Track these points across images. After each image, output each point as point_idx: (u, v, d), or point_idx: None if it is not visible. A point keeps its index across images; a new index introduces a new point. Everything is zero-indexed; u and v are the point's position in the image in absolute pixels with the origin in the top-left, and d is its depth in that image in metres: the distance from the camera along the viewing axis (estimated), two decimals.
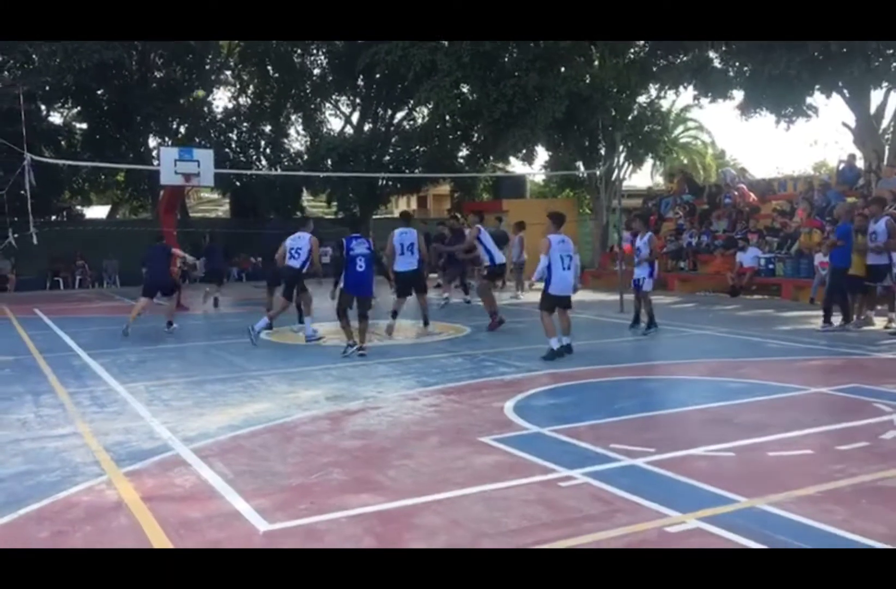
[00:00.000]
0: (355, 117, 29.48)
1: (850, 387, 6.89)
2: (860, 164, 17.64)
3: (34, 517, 4.07)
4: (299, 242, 10.20)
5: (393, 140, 27.60)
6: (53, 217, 25.77)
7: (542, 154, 26.68)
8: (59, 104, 26.12)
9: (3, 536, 3.82)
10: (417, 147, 26.60)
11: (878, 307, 11.38)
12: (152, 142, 27.17)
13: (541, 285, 8.95)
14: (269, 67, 27.84)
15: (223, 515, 4.06)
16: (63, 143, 25.70)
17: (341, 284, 8.93)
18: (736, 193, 19.33)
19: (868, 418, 5.78)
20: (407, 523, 3.89)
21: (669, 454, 4.93)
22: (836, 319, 10.65)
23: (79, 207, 28.50)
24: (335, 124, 40.98)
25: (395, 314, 10.70)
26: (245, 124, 27.99)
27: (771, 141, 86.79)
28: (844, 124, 19.68)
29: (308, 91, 28.69)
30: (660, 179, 36.32)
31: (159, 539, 3.71)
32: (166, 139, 26.17)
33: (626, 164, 24.51)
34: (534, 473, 4.62)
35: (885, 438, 5.25)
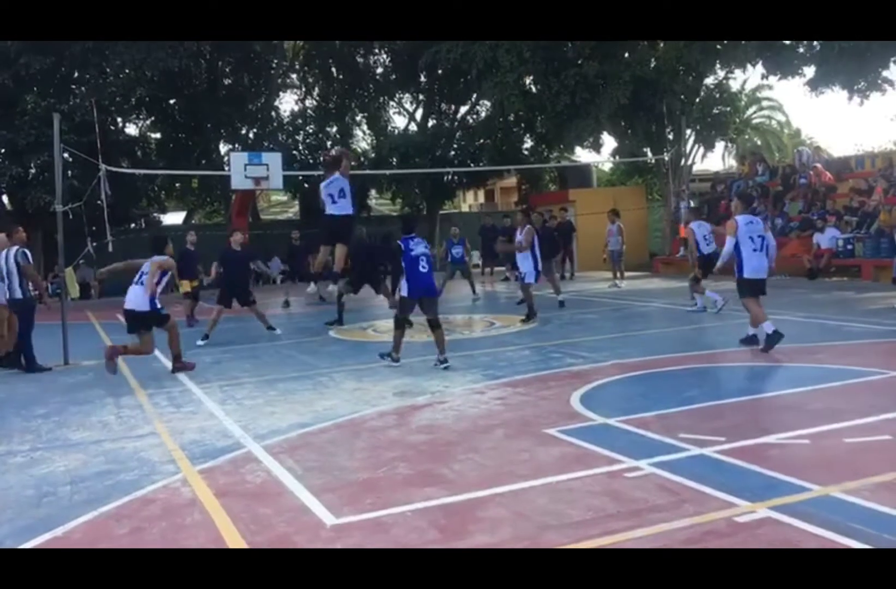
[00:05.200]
0: (419, 114, 29.66)
1: None
2: None
3: (114, 515, 4.23)
4: None
5: (457, 135, 27.64)
6: (132, 225, 26.56)
7: (609, 142, 26.35)
8: (134, 116, 26.93)
9: (85, 534, 3.98)
10: (481, 140, 26.56)
11: None
12: (223, 148, 27.85)
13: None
14: (333, 69, 28.22)
15: (292, 509, 4.15)
16: (139, 153, 26.50)
17: (402, 291, 8.10)
18: (811, 173, 18.72)
19: None
20: (471, 516, 3.91)
21: (740, 443, 4.81)
22: None
23: (156, 215, 29.28)
24: (399, 122, 41.23)
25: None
26: (311, 126, 28.40)
27: (850, 117, 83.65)
28: None
29: (372, 90, 28.97)
30: (733, 162, 35.46)
31: (231, 535, 3.82)
32: (236, 145, 26.75)
33: (696, 148, 23.97)
34: (599, 464, 4.58)
35: None
